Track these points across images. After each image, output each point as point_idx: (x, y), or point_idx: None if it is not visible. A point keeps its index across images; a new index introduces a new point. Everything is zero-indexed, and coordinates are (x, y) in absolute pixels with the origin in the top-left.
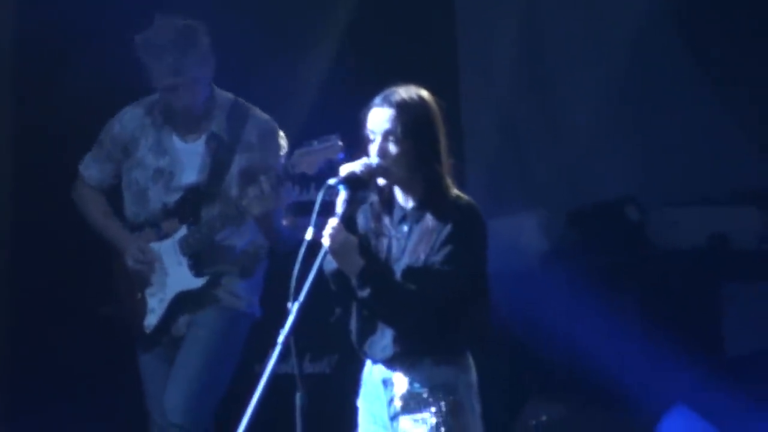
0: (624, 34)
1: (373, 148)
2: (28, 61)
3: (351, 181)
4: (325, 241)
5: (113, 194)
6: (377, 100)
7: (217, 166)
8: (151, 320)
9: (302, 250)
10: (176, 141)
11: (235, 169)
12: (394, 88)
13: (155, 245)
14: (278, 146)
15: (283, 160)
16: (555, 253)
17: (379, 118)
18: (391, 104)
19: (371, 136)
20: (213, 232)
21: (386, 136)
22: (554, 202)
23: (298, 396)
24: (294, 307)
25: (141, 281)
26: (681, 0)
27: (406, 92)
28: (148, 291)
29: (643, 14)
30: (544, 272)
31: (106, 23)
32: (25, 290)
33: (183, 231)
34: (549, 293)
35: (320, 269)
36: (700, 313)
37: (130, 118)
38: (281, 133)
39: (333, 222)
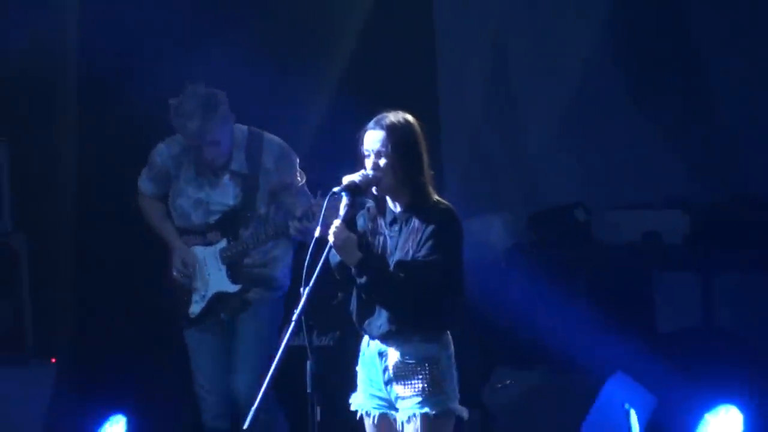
0: (573, 64)
1: (368, 164)
2: (90, 77)
3: (351, 189)
4: (330, 238)
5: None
6: (371, 123)
7: (246, 194)
8: (195, 309)
9: (311, 245)
10: (210, 178)
11: (261, 192)
12: (384, 113)
13: (200, 249)
14: (291, 164)
15: (298, 176)
16: (517, 248)
17: (372, 139)
18: (382, 127)
19: (366, 154)
20: (247, 249)
21: (378, 154)
22: (517, 206)
23: (308, 363)
24: (305, 292)
25: (185, 281)
26: (620, 33)
27: (394, 117)
28: (195, 285)
29: (588, 46)
30: (509, 264)
31: (159, 45)
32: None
33: (223, 243)
34: (513, 281)
35: (326, 261)
36: (636, 297)
37: (168, 155)
38: (291, 150)
39: (336, 223)
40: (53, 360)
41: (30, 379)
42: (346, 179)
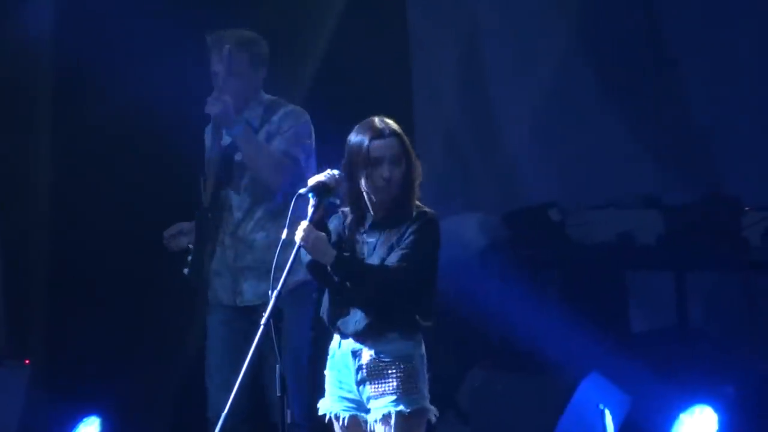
0: (547, 64)
1: (382, 173)
2: (66, 77)
3: (318, 189)
4: (298, 240)
5: None
6: (377, 131)
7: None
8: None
9: (279, 247)
10: (224, 136)
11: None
12: (382, 122)
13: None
14: (298, 118)
15: (303, 131)
16: (491, 248)
17: (386, 146)
18: (392, 134)
19: (375, 162)
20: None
21: (394, 161)
22: (491, 206)
23: (277, 366)
24: (273, 295)
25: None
26: (593, 33)
27: (393, 124)
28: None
29: (562, 46)
30: (483, 263)
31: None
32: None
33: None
34: (487, 280)
35: (293, 263)
36: (610, 297)
37: (207, 133)
38: (306, 117)
39: (303, 224)
40: (27, 361)
41: (3, 381)
42: (312, 180)
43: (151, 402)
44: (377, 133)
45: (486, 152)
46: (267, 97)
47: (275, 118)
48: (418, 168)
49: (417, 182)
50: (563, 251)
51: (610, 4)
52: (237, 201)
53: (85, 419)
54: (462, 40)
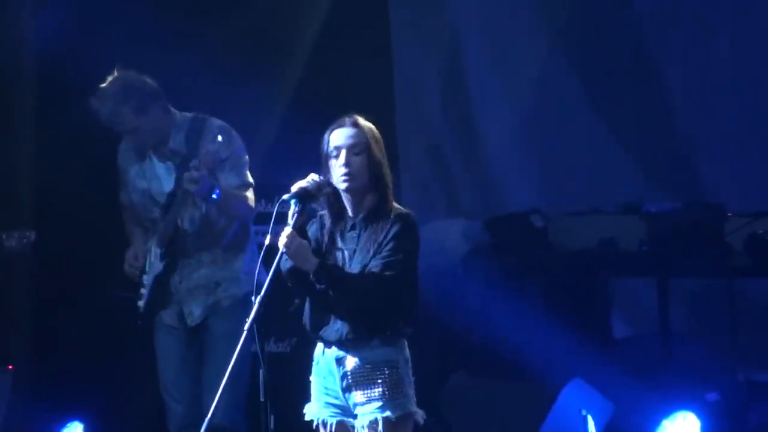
0: (530, 70)
1: (340, 161)
2: (48, 79)
3: (301, 195)
4: (281, 246)
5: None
6: (338, 123)
7: (182, 173)
8: (142, 303)
9: (262, 253)
10: (156, 162)
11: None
12: (349, 116)
13: (151, 242)
14: (232, 140)
15: (241, 154)
16: (474, 254)
17: (344, 135)
18: (354, 124)
19: (335, 153)
20: (174, 218)
21: (352, 148)
22: (473, 212)
23: (261, 372)
24: (256, 300)
25: (133, 274)
26: (575, 39)
27: (360, 118)
28: (143, 278)
29: (545, 52)
30: (465, 269)
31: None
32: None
33: (161, 227)
34: (469, 286)
35: (278, 269)
36: (592, 303)
37: (122, 153)
38: (234, 133)
39: (287, 231)
40: (10, 367)
41: None
42: (296, 186)
43: (134, 407)
44: (338, 124)
45: (468, 159)
46: (179, 117)
47: (205, 143)
48: (383, 163)
49: (385, 177)
50: (546, 257)
51: (593, 10)
52: (187, 226)
53: (68, 424)
54: (444, 48)
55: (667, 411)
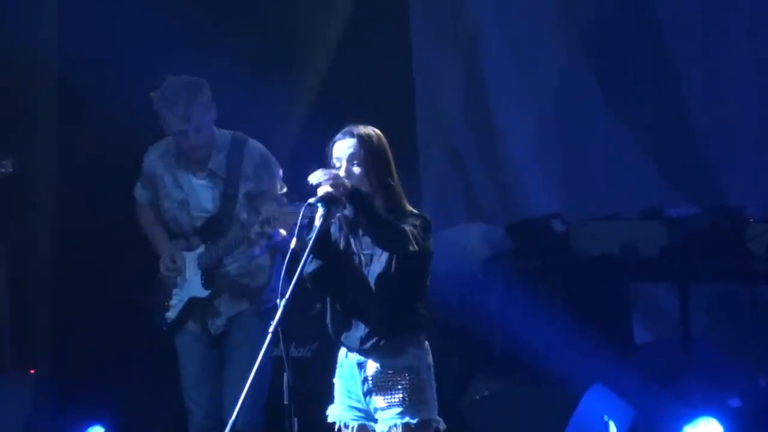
0: (549, 74)
1: (341, 173)
2: (69, 84)
3: (326, 199)
4: (320, 178)
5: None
6: (339, 135)
7: (224, 199)
8: (171, 314)
9: (288, 257)
10: (191, 178)
11: (241, 197)
12: (351, 125)
13: (186, 253)
14: (271, 173)
15: (278, 185)
16: (495, 258)
17: (343, 147)
18: (352, 135)
19: (337, 164)
20: (220, 254)
21: (351, 158)
22: (493, 216)
23: (285, 375)
24: (281, 304)
25: (170, 282)
26: (595, 43)
27: (362, 127)
28: (174, 290)
29: (564, 56)
30: (486, 273)
31: (141, 56)
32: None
33: (201, 249)
34: (490, 291)
35: (302, 273)
36: (614, 308)
37: (154, 158)
38: (273, 160)
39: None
40: (32, 371)
41: (9, 390)
42: (322, 190)
43: (155, 411)
44: (340, 135)
45: (488, 162)
46: (219, 135)
47: (246, 168)
48: (385, 169)
49: (390, 183)
50: (566, 262)
51: (612, 14)
52: (232, 268)
53: (89, 428)
54: (464, 52)
55: (689, 416)
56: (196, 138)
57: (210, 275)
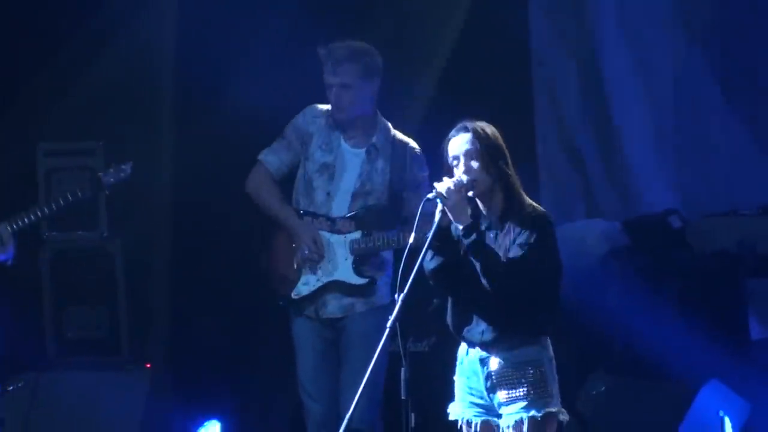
0: (669, 68)
1: (460, 169)
2: (187, 80)
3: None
4: (443, 190)
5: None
6: (453, 131)
7: (373, 173)
8: (302, 291)
9: (405, 252)
10: (343, 143)
11: (385, 178)
12: (469, 121)
13: (326, 234)
14: (421, 176)
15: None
16: (612, 254)
17: (459, 143)
18: (466, 130)
19: (455, 162)
20: (378, 248)
21: (468, 154)
22: (611, 212)
23: (402, 370)
24: (399, 298)
25: (304, 260)
26: (713, 44)
27: (475, 122)
28: (310, 268)
29: (683, 50)
30: (604, 270)
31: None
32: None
33: (356, 235)
34: (608, 287)
35: (421, 267)
36: (730, 305)
37: (312, 114)
38: (424, 162)
39: (449, 182)
40: (148, 365)
41: (125, 385)
42: (440, 186)
43: (271, 405)
44: (454, 132)
45: (607, 158)
46: (382, 123)
47: (407, 162)
48: (503, 163)
49: (508, 177)
50: (683, 258)
51: (733, 9)
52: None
53: (206, 423)
54: (582, 47)
55: None
56: (344, 96)
57: (361, 263)
